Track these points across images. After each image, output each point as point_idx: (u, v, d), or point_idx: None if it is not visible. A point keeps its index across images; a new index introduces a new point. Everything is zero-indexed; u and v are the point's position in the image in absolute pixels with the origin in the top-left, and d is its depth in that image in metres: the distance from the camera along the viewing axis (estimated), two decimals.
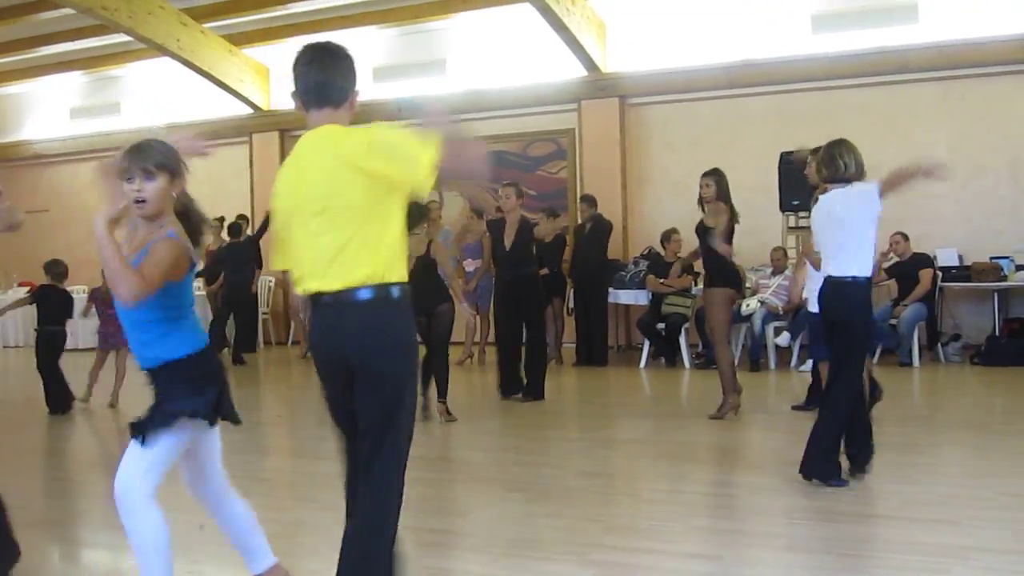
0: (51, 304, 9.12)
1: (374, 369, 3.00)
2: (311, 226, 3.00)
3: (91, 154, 15.82)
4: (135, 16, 12.37)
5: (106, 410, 8.97)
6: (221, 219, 13.09)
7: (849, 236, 5.31)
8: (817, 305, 5.62)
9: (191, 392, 3.26)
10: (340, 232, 2.96)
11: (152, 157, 3.21)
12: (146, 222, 3.29)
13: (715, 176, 8.27)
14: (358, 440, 3.07)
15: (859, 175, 5.48)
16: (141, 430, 3.25)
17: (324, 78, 3.21)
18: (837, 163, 5.48)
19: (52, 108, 16.84)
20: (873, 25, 11.37)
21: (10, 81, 16.47)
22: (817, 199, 5.83)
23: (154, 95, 15.58)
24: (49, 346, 9.03)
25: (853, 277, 5.24)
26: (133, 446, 3.26)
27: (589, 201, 11.51)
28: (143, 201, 3.20)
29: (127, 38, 13.17)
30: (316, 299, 3.03)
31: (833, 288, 5.32)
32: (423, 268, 7.60)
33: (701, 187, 8.20)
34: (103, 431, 8.39)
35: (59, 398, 8.92)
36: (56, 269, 9.36)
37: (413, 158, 2.84)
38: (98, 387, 9.25)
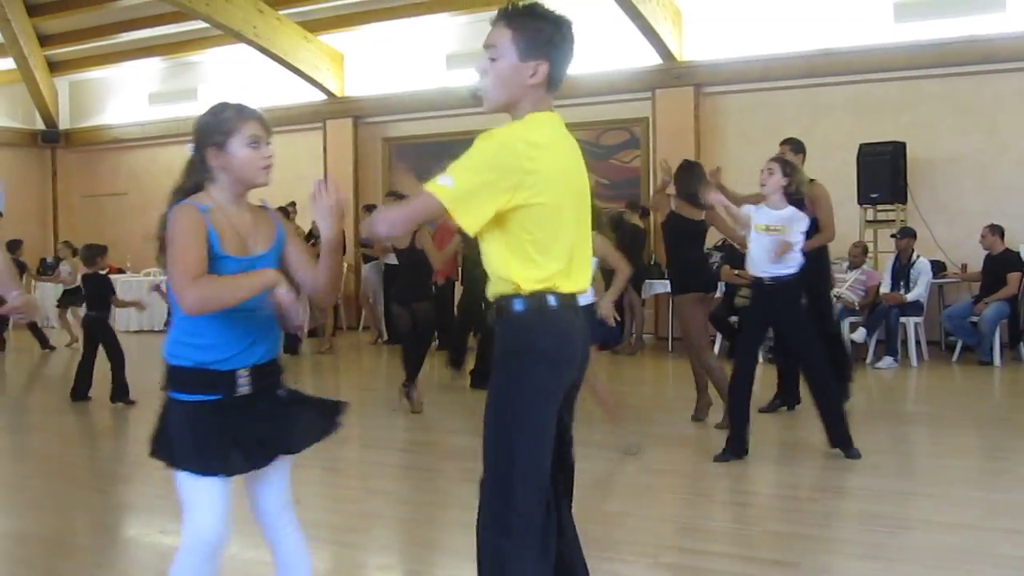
0: (88, 290, 8.90)
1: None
2: (582, 218, 2.74)
3: (169, 139, 16.11)
4: (212, 3, 12.50)
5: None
6: (293, 204, 13.22)
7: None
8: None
9: None
10: (589, 230, 2.80)
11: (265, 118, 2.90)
12: (240, 200, 2.88)
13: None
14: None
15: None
16: None
17: None
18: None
19: (132, 93, 17.12)
20: (958, 14, 11.05)
21: (92, 67, 16.79)
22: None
23: (230, 81, 15.75)
24: (87, 333, 8.82)
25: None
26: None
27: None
28: (271, 167, 2.86)
29: (205, 25, 13.33)
30: (571, 300, 2.71)
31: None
32: (408, 261, 7.88)
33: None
34: None
35: (80, 385, 8.65)
36: (87, 254, 9.02)
37: None
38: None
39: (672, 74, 12.39)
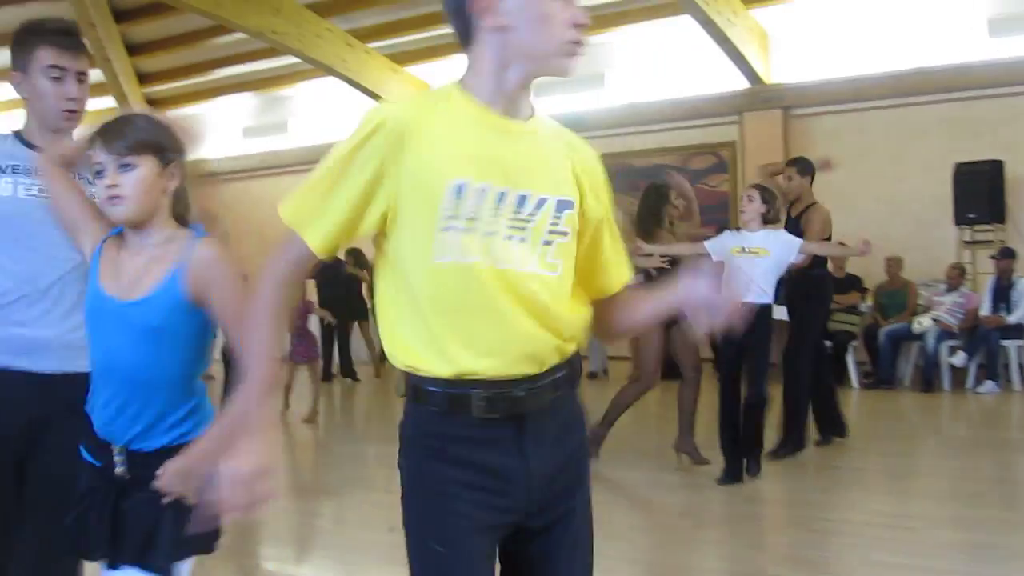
0: None
1: None
2: None
3: (262, 171, 16.52)
4: (304, 39, 12.78)
5: (301, 425, 9.19)
6: None
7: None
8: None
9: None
10: None
11: (129, 134, 2.23)
12: (135, 234, 2.28)
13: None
14: None
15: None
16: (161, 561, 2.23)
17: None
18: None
19: (226, 128, 17.56)
20: None
21: (189, 103, 17.25)
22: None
23: (320, 114, 16.06)
24: (228, 361, 8.78)
25: None
26: None
27: None
28: (117, 198, 2.21)
29: (296, 60, 13.63)
30: None
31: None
32: None
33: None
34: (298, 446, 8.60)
35: None
36: None
37: None
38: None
39: (760, 97, 12.28)
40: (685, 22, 11.23)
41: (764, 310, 5.78)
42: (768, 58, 12.26)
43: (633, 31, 12.89)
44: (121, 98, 16.02)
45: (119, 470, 2.24)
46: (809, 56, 12.03)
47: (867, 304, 10.69)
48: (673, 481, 6.16)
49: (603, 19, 12.55)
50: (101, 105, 17.06)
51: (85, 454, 2.30)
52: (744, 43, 11.55)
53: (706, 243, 6.08)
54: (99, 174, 2.21)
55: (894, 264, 10.49)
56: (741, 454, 5.89)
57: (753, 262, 5.78)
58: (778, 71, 12.27)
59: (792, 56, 12.17)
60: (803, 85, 12.04)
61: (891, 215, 11.32)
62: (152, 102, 17.24)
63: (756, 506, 5.63)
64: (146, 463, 2.20)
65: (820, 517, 5.33)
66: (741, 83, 12.25)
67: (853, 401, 9.76)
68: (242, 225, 16.73)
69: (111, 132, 2.22)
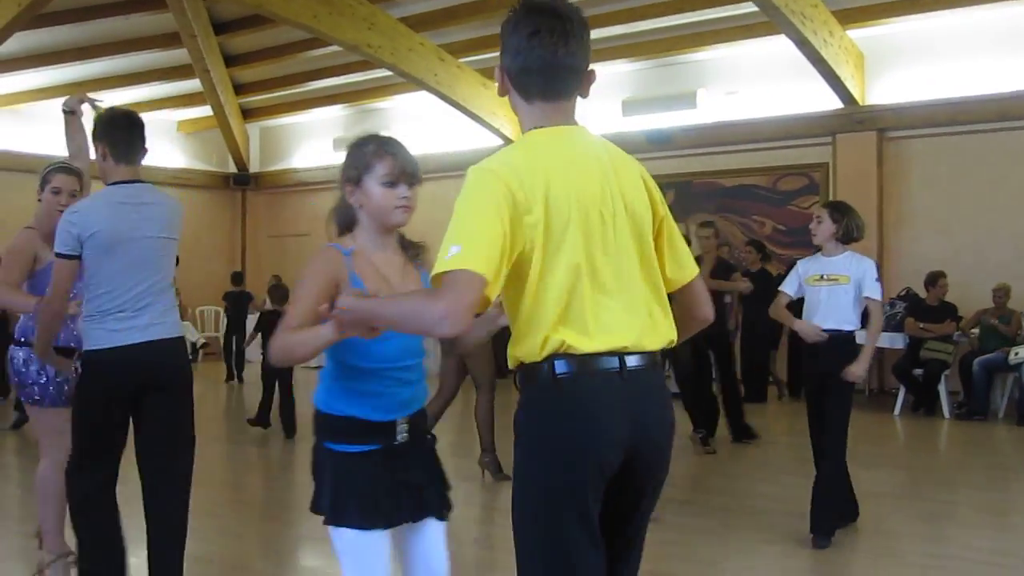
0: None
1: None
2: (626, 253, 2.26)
3: None
4: (397, 52, 12.94)
5: None
6: None
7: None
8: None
9: None
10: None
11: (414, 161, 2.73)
12: (385, 237, 2.75)
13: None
14: None
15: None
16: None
17: (578, 57, 2.23)
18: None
19: (317, 138, 17.84)
20: None
21: (283, 113, 17.59)
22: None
23: (411, 126, 16.23)
24: (266, 370, 9.18)
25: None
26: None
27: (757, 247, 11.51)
28: (407, 208, 2.70)
29: (388, 73, 13.79)
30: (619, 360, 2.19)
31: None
32: None
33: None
34: None
35: (288, 421, 8.95)
36: (277, 293, 9.63)
37: None
38: None
39: (854, 119, 12.08)
40: (780, 42, 11.11)
41: (847, 339, 5.28)
42: (863, 79, 12.08)
43: (727, 50, 12.80)
44: (218, 107, 16.40)
45: (402, 437, 2.66)
46: (906, 78, 11.81)
47: (959, 333, 10.41)
48: (758, 506, 6.06)
49: (697, 37, 12.48)
50: (198, 114, 17.51)
51: (346, 446, 2.63)
52: (839, 63, 11.39)
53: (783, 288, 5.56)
54: (392, 184, 2.64)
55: (1003, 293, 10.17)
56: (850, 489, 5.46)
57: (834, 290, 5.24)
58: (873, 92, 12.07)
59: (888, 78, 11.97)
60: (899, 106, 11.82)
61: (988, 241, 11.06)
62: (247, 112, 17.64)
63: (843, 535, 5.49)
64: (417, 424, 2.72)
65: (912, 550, 5.20)
66: (835, 104, 12.08)
67: (944, 431, 9.52)
68: (330, 235, 17.02)
69: (406, 153, 2.69)
